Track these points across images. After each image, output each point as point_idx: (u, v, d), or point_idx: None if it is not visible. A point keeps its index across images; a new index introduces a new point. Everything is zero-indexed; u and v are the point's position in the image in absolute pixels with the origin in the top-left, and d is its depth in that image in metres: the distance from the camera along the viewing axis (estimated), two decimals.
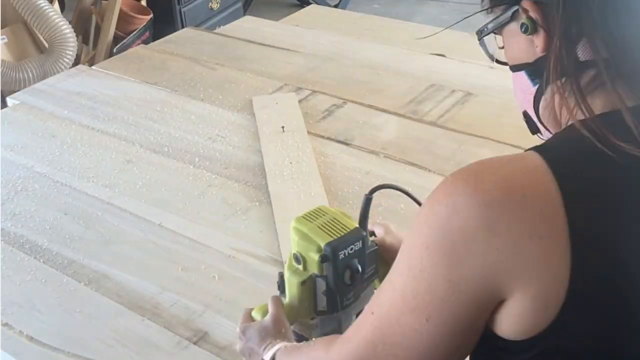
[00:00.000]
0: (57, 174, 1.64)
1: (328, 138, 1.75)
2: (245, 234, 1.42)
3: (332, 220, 0.96)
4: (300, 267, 0.96)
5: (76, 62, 3.12)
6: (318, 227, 0.95)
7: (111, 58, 2.43)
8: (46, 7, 2.98)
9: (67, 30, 3.05)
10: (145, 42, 3.15)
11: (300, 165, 1.63)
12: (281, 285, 1.01)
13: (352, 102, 1.92)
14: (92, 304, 1.25)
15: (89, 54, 3.40)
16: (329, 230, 0.94)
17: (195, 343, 1.16)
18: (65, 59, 3.07)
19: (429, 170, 1.60)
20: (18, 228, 1.46)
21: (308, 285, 0.96)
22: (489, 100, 1.90)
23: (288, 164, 1.63)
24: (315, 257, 0.93)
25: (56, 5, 3.26)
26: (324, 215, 0.97)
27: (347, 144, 1.72)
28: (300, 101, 1.92)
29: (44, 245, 1.40)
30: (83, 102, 1.96)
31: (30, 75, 3.00)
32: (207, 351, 1.14)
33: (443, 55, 2.20)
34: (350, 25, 2.51)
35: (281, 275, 1.01)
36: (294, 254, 0.96)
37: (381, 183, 1.01)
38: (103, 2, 3.45)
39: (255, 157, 1.67)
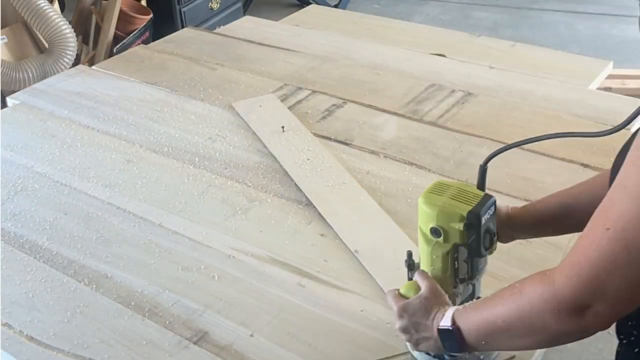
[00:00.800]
0: (57, 174, 1.64)
1: (328, 138, 1.75)
2: (245, 234, 1.42)
3: (461, 191, 1.01)
4: (441, 239, 0.99)
5: (76, 62, 3.12)
6: (451, 198, 0.99)
7: (111, 58, 2.42)
8: (46, 7, 2.98)
9: (67, 30, 3.05)
10: (145, 42, 3.15)
11: (318, 160, 1.64)
12: (410, 264, 1.06)
13: (352, 102, 1.92)
14: (92, 304, 1.25)
15: (89, 54, 3.40)
16: (464, 200, 0.99)
17: (195, 343, 1.16)
18: (65, 59, 3.07)
19: (429, 170, 1.60)
20: (18, 228, 1.46)
21: (451, 255, 1.00)
22: (489, 100, 1.90)
23: (305, 160, 1.64)
24: (458, 226, 0.97)
25: (56, 5, 3.26)
26: (448, 187, 1.02)
27: (347, 144, 1.72)
28: (300, 101, 1.92)
29: (44, 245, 1.40)
30: (83, 102, 1.96)
31: (30, 75, 3.00)
32: (207, 351, 1.14)
33: (443, 55, 2.20)
34: (350, 25, 2.51)
35: (410, 255, 1.06)
36: (432, 228, 0.99)
37: (493, 152, 1.04)
38: (103, 2, 3.45)
39: (255, 157, 1.67)
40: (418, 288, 1.01)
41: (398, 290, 1.04)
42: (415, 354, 1.08)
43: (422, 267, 1.04)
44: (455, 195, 1.00)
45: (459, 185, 1.03)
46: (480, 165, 1.04)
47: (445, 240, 0.99)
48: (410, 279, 1.07)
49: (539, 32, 4.44)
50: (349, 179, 1.57)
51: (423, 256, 1.03)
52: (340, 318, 1.20)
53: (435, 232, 0.99)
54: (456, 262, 1.01)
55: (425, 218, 1.00)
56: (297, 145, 1.70)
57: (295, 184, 1.56)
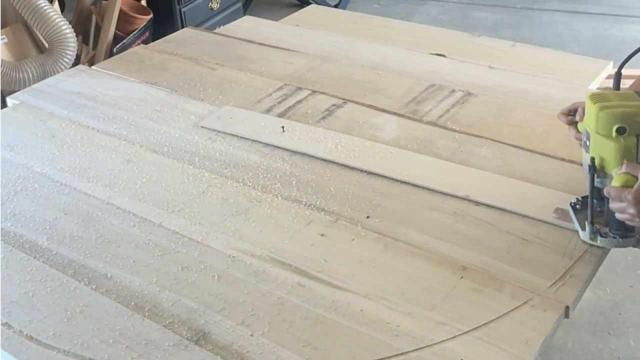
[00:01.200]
0: (57, 174, 1.64)
1: None
2: (245, 234, 1.42)
3: (618, 94, 1.24)
4: (626, 134, 1.21)
5: (76, 62, 3.12)
6: (621, 100, 1.22)
7: (111, 58, 2.42)
8: (46, 7, 2.98)
9: (67, 30, 3.06)
10: (145, 42, 3.15)
11: (348, 143, 1.67)
12: (593, 168, 1.26)
13: (352, 102, 1.92)
14: (92, 304, 1.25)
15: (89, 54, 3.41)
16: (629, 99, 1.23)
17: (195, 343, 1.16)
18: (65, 59, 3.08)
19: None
20: (18, 228, 1.46)
21: (636, 145, 1.22)
22: (489, 100, 1.90)
23: (336, 146, 1.66)
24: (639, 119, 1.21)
25: (56, 5, 3.27)
26: (607, 95, 1.24)
27: None
28: (300, 101, 1.92)
29: (44, 245, 1.41)
30: (83, 102, 1.96)
31: (30, 75, 3.00)
32: (207, 351, 1.14)
33: (443, 55, 2.20)
34: (350, 25, 2.51)
35: (593, 160, 1.25)
36: (619, 128, 1.20)
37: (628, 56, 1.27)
38: (103, 2, 3.46)
39: (255, 157, 1.67)
40: (634, 177, 1.19)
41: (614, 187, 1.21)
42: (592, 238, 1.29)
43: (609, 166, 1.24)
44: (620, 98, 1.23)
45: (609, 92, 1.25)
46: (616, 72, 1.28)
47: (630, 134, 1.21)
48: (592, 182, 1.26)
49: (539, 32, 4.44)
50: (394, 148, 1.64)
51: (610, 156, 1.23)
52: (340, 318, 1.20)
53: (621, 130, 1.20)
54: (637, 151, 1.22)
55: (608, 123, 1.21)
56: (312, 138, 1.70)
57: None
